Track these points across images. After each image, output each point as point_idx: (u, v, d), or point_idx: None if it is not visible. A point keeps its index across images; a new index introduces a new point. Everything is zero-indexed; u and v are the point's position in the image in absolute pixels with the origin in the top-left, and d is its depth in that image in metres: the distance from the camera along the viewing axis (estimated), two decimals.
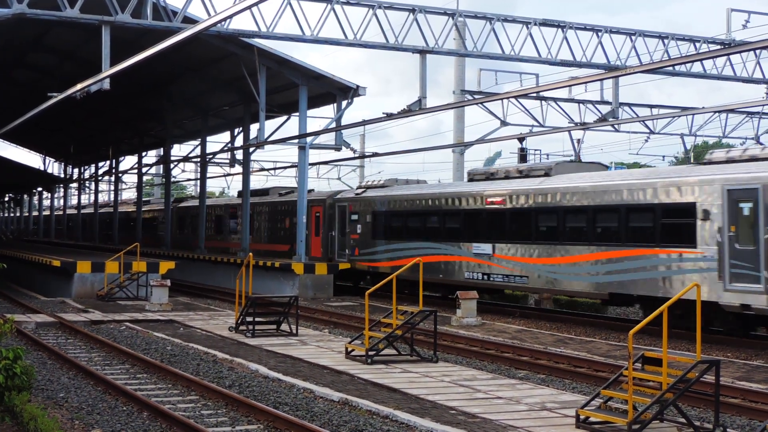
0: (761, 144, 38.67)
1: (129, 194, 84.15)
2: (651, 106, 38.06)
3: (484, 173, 30.08)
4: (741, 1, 33.39)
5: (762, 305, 19.40)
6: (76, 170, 72.93)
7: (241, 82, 34.80)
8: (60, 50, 39.36)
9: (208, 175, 49.60)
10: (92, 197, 71.13)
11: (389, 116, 26.37)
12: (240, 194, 44.10)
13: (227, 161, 49.46)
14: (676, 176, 22.13)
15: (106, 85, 23.25)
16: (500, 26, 26.85)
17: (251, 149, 39.93)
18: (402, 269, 18.22)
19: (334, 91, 33.22)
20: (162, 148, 55.96)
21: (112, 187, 67.71)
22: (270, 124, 37.84)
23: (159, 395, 13.40)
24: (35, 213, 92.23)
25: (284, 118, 39.12)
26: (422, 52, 25.64)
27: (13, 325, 12.64)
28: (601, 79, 29.94)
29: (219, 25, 22.58)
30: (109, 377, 14.50)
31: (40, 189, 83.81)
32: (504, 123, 35.58)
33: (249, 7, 17.83)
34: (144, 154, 59.73)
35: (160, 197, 68.35)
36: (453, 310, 25.38)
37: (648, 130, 38.32)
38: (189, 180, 72.74)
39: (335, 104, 33.48)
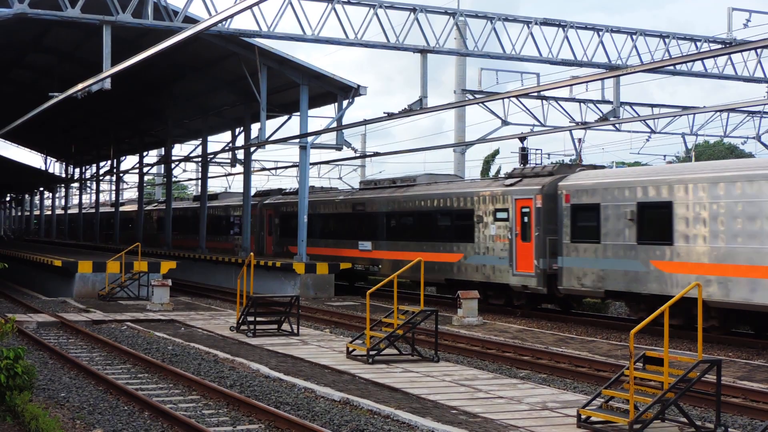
0: (763, 144, 38.66)
1: (130, 194, 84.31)
2: (652, 106, 38.04)
3: None
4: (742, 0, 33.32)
5: None
6: (77, 170, 73.00)
7: (242, 81, 34.80)
8: (60, 50, 39.37)
9: (209, 174, 49.61)
10: (93, 197, 71.21)
11: (390, 116, 26.38)
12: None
13: (228, 161, 49.54)
14: None
15: (107, 84, 23.25)
16: (501, 26, 26.84)
17: (252, 149, 39.96)
18: (403, 269, 18.16)
19: (335, 91, 33.23)
20: (163, 148, 55.99)
21: (113, 187, 67.77)
22: (271, 124, 37.86)
23: (160, 395, 13.40)
24: (36, 213, 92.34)
25: (285, 117, 39.12)
26: (423, 51, 25.62)
27: (15, 325, 12.66)
28: (602, 79, 29.94)
29: (220, 24, 22.58)
30: (110, 377, 14.50)
31: (41, 189, 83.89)
32: (505, 122, 35.56)
33: (250, 7, 17.83)
34: (145, 153, 59.79)
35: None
36: (454, 309, 25.37)
37: (649, 130, 38.29)
38: (190, 180, 72.81)
39: (336, 104, 33.48)
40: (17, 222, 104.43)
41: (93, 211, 68.69)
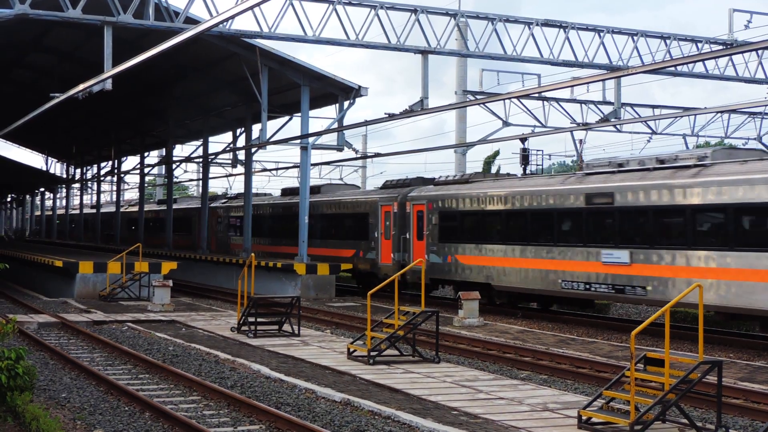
0: (764, 144, 38.66)
1: (131, 194, 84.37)
2: (653, 107, 38.02)
3: None
4: (743, 1, 33.33)
5: None
6: (78, 170, 73.05)
7: (243, 82, 34.81)
8: (60, 50, 39.38)
9: (210, 175, 49.64)
10: (95, 197, 71.29)
11: (391, 117, 26.36)
12: None
13: (229, 162, 49.54)
14: None
15: (109, 85, 23.25)
16: (502, 26, 26.84)
17: (253, 150, 39.95)
18: (404, 270, 18.17)
19: (336, 92, 33.24)
20: (164, 149, 55.99)
21: (114, 188, 67.83)
22: (272, 125, 37.92)
23: (161, 396, 13.41)
24: (37, 213, 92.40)
25: (286, 118, 39.12)
26: (424, 52, 25.62)
27: (15, 326, 12.65)
28: (603, 80, 29.92)
29: (221, 25, 22.57)
30: (111, 377, 14.50)
31: (42, 189, 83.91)
32: (506, 123, 35.56)
33: (251, 8, 17.81)
34: (146, 154, 59.81)
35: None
36: (455, 310, 25.37)
37: (650, 131, 38.28)
38: (191, 180, 72.98)
39: (337, 104, 33.49)
40: (18, 222, 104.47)
41: (94, 211, 68.72)
